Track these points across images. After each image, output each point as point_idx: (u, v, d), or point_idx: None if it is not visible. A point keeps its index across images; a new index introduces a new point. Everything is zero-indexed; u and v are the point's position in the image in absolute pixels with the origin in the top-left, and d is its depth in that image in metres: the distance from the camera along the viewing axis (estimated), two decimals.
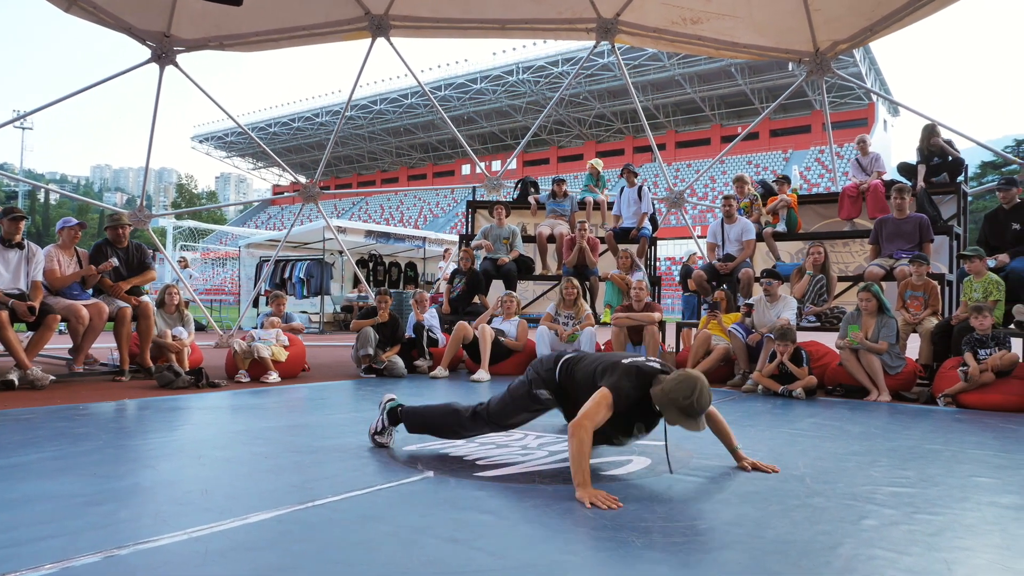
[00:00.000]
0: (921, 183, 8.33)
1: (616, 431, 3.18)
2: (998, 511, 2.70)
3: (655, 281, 9.53)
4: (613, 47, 10.75)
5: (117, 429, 4.21)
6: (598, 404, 2.92)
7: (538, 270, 9.74)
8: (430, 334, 8.08)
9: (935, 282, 6.87)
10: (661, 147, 61.04)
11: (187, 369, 6.61)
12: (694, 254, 12.06)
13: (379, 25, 10.12)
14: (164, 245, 20.90)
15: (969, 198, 8.96)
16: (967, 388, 5.72)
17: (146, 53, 9.87)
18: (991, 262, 6.84)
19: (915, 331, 6.74)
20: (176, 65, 9.98)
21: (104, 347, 7.14)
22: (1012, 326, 6.36)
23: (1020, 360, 5.86)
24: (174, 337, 7.03)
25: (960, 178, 8.41)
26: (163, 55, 9.85)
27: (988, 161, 39.24)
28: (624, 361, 3.10)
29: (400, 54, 10.62)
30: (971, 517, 2.62)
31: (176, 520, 2.36)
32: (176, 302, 7.36)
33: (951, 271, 7.75)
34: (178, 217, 29.92)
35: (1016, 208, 7.20)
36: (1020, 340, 6.61)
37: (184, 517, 2.40)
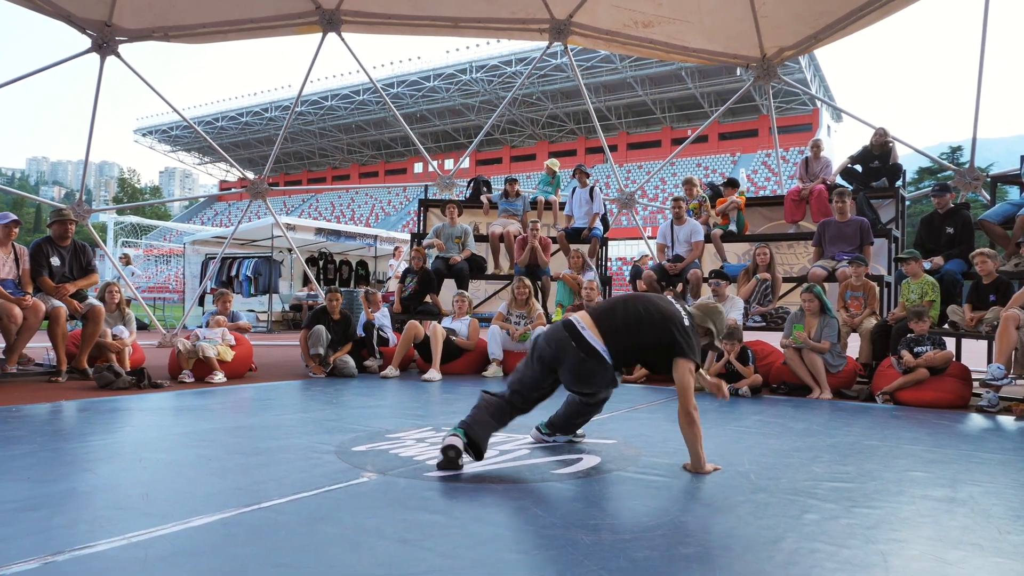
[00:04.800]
0: (847, 163, 8.87)
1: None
2: (931, 504, 2.81)
3: (606, 281, 9.63)
4: (566, 48, 10.81)
5: (53, 432, 4.06)
6: (692, 381, 3.28)
7: (490, 269, 9.73)
8: (380, 333, 8.01)
9: (874, 283, 7.10)
10: (613, 148, 61.58)
11: (128, 369, 6.42)
12: (645, 255, 12.22)
13: (330, 20, 9.98)
14: (105, 241, 20.25)
15: (907, 202, 9.29)
16: (904, 385, 5.93)
17: (86, 42, 9.55)
18: (927, 264, 7.10)
19: (855, 331, 6.96)
20: (118, 55, 9.68)
21: (39, 347, 6.88)
22: (946, 326, 6.61)
23: (953, 359, 6.11)
24: (114, 336, 6.81)
25: (898, 183, 8.70)
26: (104, 45, 9.54)
27: (925, 167, 40.63)
28: (679, 324, 3.32)
29: (351, 50, 10.50)
30: (906, 510, 2.71)
31: (115, 525, 2.29)
32: (117, 300, 7.14)
33: (889, 273, 8.01)
34: (120, 212, 29.01)
35: (950, 212, 7.48)
36: (953, 340, 6.88)
37: (123, 522, 2.33)
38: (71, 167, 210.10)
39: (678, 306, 3.42)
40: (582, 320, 3.36)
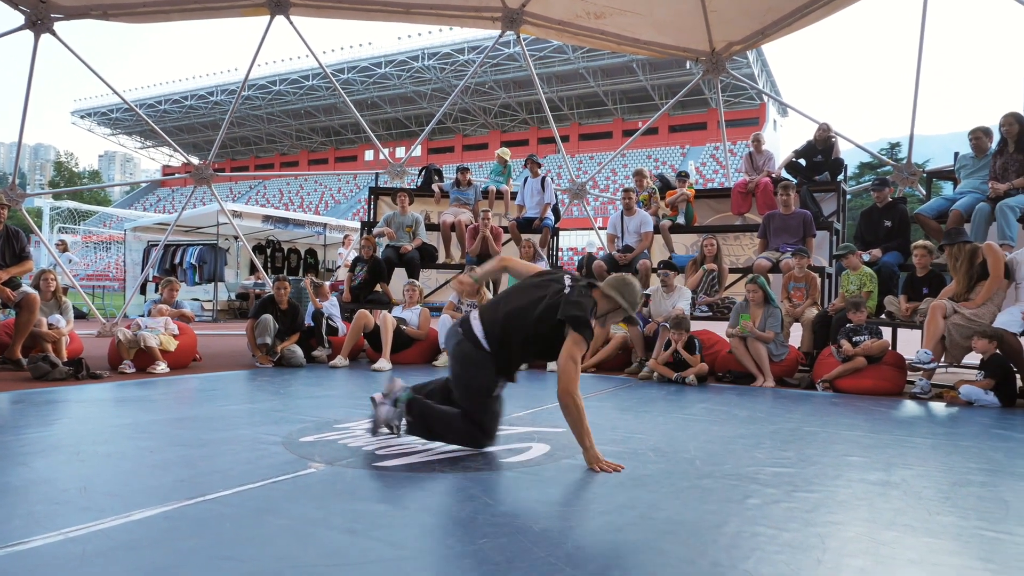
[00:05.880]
0: (791, 157, 9.03)
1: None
2: (866, 487, 2.91)
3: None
4: (519, 37, 10.79)
5: None
6: (575, 359, 3.13)
7: (441, 259, 9.69)
8: (330, 322, 7.91)
9: (815, 274, 7.31)
10: (564, 139, 61.90)
11: (65, 360, 6.20)
12: (598, 247, 12.33)
13: (278, 2, 9.75)
14: (40, 227, 19.50)
15: (848, 196, 9.56)
16: (843, 373, 6.12)
17: (19, 19, 9.14)
18: (865, 256, 7.33)
19: (797, 320, 7.15)
20: (54, 33, 9.28)
21: None
22: (883, 316, 6.84)
23: (889, 347, 6.34)
24: (50, 325, 6.57)
25: (840, 177, 8.95)
26: (38, 22, 9.14)
27: (865, 162, 41.83)
28: (570, 298, 3.23)
29: (300, 33, 10.28)
30: (843, 493, 2.81)
31: (51, 520, 2.22)
32: (53, 288, 6.88)
33: (830, 264, 8.25)
34: (56, 197, 27.88)
35: (888, 206, 7.73)
36: (890, 329, 7.13)
37: (60, 517, 2.26)
38: (3, 150, 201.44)
39: (567, 280, 3.35)
40: (476, 313, 3.45)
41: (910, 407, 5.39)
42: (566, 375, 3.12)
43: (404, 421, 3.42)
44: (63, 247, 16.47)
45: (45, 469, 2.92)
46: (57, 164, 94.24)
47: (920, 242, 6.86)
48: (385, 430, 3.52)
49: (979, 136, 7.45)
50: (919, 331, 6.65)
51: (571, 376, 3.11)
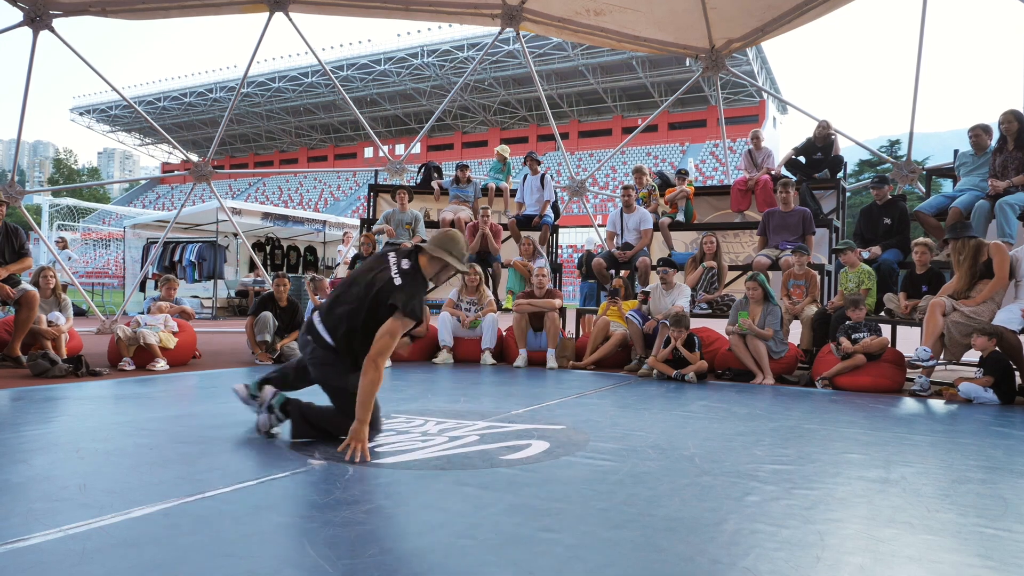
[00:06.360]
0: (791, 155, 9.01)
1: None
2: (865, 484, 2.92)
3: (556, 268, 9.68)
4: (518, 34, 10.78)
5: None
6: (393, 335, 3.25)
7: None
8: None
9: (815, 272, 7.31)
10: (564, 136, 61.85)
11: (64, 357, 6.20)
12: (597, 245, 12.33)
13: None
14: (39, 224, 19.50)
15: (847, 194, 9.56)
16: (842, 370, 6.12)
17: (18, 15, 9.12)
18: (865, 253, 7.33)
19: (796, 318, 7.15)
20: (52, 30, 9.27)
21: None
22: (882, 313, 6.84)
23: (888, 345, 6.34)
24: (50, 323, 6.57)
25: (840, 175, 8.95)
26: (37, 18, 9.13)
27: (865, 159, 41.89)
28: (394, 280, 3.37)
29: (299, 30, 10.27)
30: (842, 491, 2.81)
31: (50, 517, 2.22)
32: (52, 285, 6.88)
33: (830, 261, 8.24)
34: (55, 194, 27.89)
35: (888, 204, 7.73)
36: (889, 326, 7.14)
37: (59, 514, 2.26)
38: (2, 147, 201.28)
39: (392, 263, 3.48)
40: (317, 316, 3.55)
41: (909, 404, 5.39)
42: (380, 343, 3.23)
43: (283, 424, 3.54)
44: (62, 244, 16.47)
45: (44, 466, 2.92)
46: (56, 161, 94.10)
47: (920, 239, 6.86)
48: (267, 433, 3.57)
49: (979, 133, 7.44)
50: (918, 328, 6.65)
51: (383, 347, 3.23)
